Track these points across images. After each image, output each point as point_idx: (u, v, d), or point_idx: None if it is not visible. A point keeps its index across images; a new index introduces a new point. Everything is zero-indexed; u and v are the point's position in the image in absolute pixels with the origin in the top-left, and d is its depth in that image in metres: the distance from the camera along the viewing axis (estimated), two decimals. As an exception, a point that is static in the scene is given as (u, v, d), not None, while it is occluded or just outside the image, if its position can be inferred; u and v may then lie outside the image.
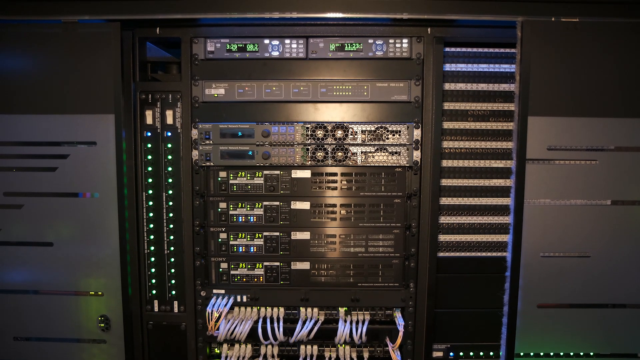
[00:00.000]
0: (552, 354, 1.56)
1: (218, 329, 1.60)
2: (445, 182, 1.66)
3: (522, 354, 1.55)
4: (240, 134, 1.60)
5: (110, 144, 1.51)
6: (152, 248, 1.66)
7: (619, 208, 1.50)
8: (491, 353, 1.76)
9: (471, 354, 1.77)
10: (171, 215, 1.64)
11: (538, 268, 1.49)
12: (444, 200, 1.66)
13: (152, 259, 1.66)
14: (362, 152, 1.60)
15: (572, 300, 1.52)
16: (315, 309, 1.64)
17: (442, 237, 1.68)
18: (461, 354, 1.77)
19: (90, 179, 1.53)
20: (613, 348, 1.56)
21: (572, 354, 1.56)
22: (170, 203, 1.64)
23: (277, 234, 1.64)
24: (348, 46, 1.58)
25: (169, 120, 1.63)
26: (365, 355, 1.65)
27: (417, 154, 1.60)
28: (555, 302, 1.51)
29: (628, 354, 1.56)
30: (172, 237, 1.65)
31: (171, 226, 1.65)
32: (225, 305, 1.61)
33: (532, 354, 1.56)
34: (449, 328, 1.73)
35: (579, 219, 1.50)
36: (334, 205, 1.63)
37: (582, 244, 1.50)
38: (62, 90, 1.50)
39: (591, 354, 1.56)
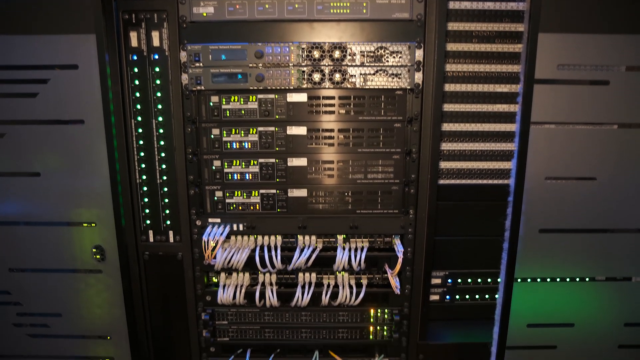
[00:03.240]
0: (549, 279, 1.56)
1: (215, 258, 1.58)
2: (447, 107, 1.59)
3: (519, 280, 1.54)
4: (232, 55, 1.50)
5: (93, 67, 1.41)
6: (144, 177, 1.60)
7: (627, 131, 1.45)
8: (489, 280, 1.77)
9: (469, 280, 1.77)
10: (162, 143, 1.58)
11: (542, 192, 1.46)
12: (446, 127, 1.60)
13: (145, 189, 1.61)
14: (360, 74, 1.51)
15: (575, 225, 1.49)
16: (313, 237, 1.62)
17: (443, 164, 1.63)
18: (459, 280, 1.77)
19: (74, 105, 1.45)
20: (610, 272, 1.55)
21: (568, 279, 1.56)
22: (161, 130, 1.57)
23: (273, 160, 1.58)
24: (346, -43, 1.46)
25: (156, 42, 1.52)
26: (364, 282, 1.64)
27: (418, 76, 1.51)
28: (557, 227, 1.49)
29: (624, 277, 1.56)
30: (164, 166, 1.59)
31: (163, 154, 1.59)
32: (222, 234, 1.58)
33: (529, 279, 1.55)
34: (448, 256, 1.73)
35: (585, 142, 1.44)
36: (332, 130, 1.56)
37: (588, 167, 1.46)
38: (36, 8, 1.38)
39: (587, 279, 1.56)
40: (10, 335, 1.62)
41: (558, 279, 1.56)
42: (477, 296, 1.79)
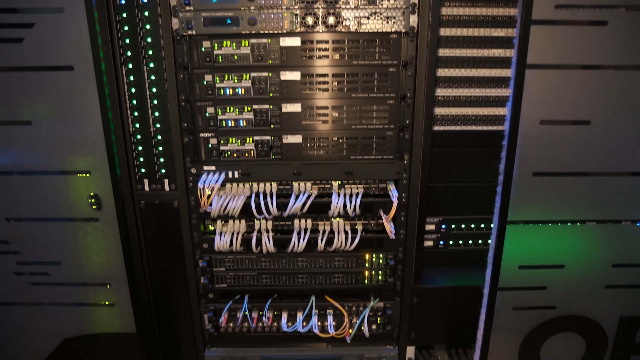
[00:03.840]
0: (540, 223, 1.58)
1: (211, 205, 1.59)
2: (442, 52, 1.57)
3: (512, 223, 1.56)
4: (222, -2, 1.47)
5: (80, 11, 1.37)
6: (137, 126, 1.59)
7: (624, 73, 1.43)
8: (482, 225, 1.80)
9: (463, 226, 1.80)
10: (154, 90, 1.56)
11: (536, 136, 1.45)
12: (441, 72, 1.59)
13: (138, 137, 1.60)
14: (355, 17, 1.48)
15: (568, 168, 1.50)
16: (309, 183, 1.63)
17: (438, 111, 1.63)
18: (453, 226, 1.80)
19: (62, 51, 1.42)
20: (600, 215, 1.57)
21: (559, 223, 1.58)
22: (153, 77, 1.54)
23: (267, 106, 1.56)
24: None
25: (144, -15, 1.48)
26: (359, 228, 1.66)
27: (413, 19, 1.48)
28: (551, 170, 1.50)
29: (614, 220, 1.58)
30: (157, 114, 1.58)
31: (155, 102, 1.57)
32: (217, 181, 1.58)
33: (521, 223, 1.57)
34: (442, 202, 1.75)
35: (581, 85, 1.43)
36: (326, 76, 1.54)
37: (584, 111, 1.45)
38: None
39: (577, 222, 1.58)
40: (12, 284, 1.64)
41: (550, 223, 1.58)
42: (470, 242, 1.82)
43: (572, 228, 1.58)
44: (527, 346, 1.65)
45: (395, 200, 1.58)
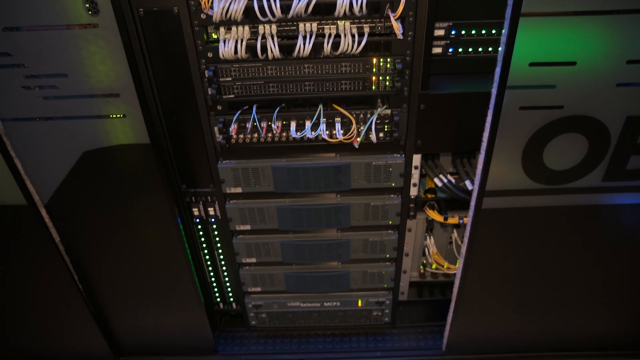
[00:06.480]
0: (555, 17, 1.50)
1: (212, 8, 1.53)
2: None
3: (525, 17, 1.48)
4: None
5: None
6: None
7: None
8: (493, 31, 1.74)
9: (473, 32, 1.74)
10: None
11: None
12: None
13: None
14: None
15: None
16: (313, -18, 1.54)
17: None
18: (463, 32, 1.74)
19: None
20: (621, 3, 1.47)
21: (575, 16, 1.50)
22: None
23: None
24: None
25: None
26: (366, 30, 1.61)
27: None
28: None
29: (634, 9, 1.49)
30: None
31: None
32: (216, -22, 1.50)
33: (535, 17, 1.50)
34: (452, 5, 1.67)
35: None
36: None
37: None
38: None
39: (595, 13, 1.49)
40: (23, 98, 1.66)
41: (565, 14, 1.49)
42: (480, 49, 1.78)
43: (588, 20, 1.50)
44: (530, 148, 1.68)
45: (403, -4, 1.50)
